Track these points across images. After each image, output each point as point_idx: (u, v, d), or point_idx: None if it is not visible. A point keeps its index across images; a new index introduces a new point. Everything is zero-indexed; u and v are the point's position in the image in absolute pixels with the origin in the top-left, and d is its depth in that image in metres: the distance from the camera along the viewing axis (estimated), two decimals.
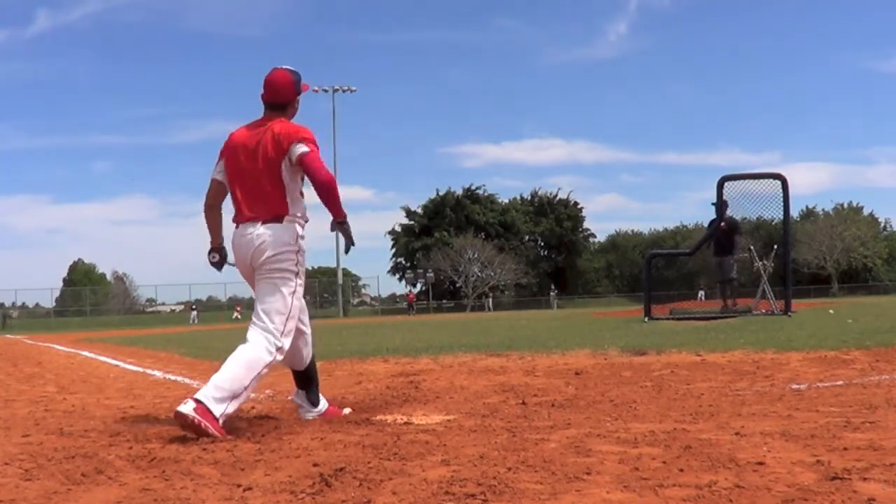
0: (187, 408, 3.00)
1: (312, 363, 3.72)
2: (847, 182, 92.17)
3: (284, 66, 3.52)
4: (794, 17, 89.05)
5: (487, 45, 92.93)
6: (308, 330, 3.62)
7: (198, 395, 3.07)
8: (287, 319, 3.34)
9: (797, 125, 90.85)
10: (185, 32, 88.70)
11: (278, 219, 3.36)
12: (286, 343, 3.33)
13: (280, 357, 3.33)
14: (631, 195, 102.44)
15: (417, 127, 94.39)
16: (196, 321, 43.25)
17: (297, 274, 3.39)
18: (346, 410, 3.83)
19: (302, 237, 3.42)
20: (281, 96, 3.47)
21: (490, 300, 54.72)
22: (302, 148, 3.31)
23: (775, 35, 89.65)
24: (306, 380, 3.69)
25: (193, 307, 48.81)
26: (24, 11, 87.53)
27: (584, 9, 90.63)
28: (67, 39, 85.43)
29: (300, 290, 3.42)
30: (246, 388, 3.18)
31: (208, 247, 3.61)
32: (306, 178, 3.39)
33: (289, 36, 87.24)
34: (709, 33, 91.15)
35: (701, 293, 49.36)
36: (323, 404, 3.72)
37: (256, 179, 3.37)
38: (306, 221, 3.47)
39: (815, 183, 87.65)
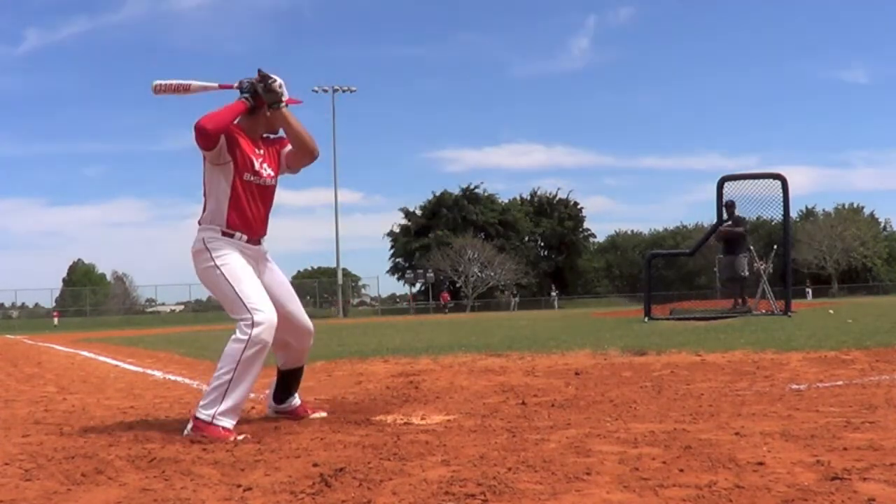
0: (187, 430, 3.17)
1: (296, 371, 3.68)
2: (826, 185, 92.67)
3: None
4: (751, 23, 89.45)
5: (456, 58, 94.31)
6: (301, 321, 3.54)
7: (193, 412, 3.21)
8: (238, 298, 3.24)
9: (774, 129, 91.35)
10: (170, 50, 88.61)
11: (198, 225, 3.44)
12: (258, 314, 3.19)
13: (259, 330, 3.16)
14: (616, 198, 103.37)
15: (399, 133, 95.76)
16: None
17: (215, 265, 3.31)
18: (321, 414, 3.71)
19: (210, 240, 3.35)
20: None
21: (514, 299, 54.29)
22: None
23: (731, 43, 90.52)
24: (284, 379, 3.67)
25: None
26: (14, 31, 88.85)
27: (545, 25, 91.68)
28: (57, 56, 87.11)
29: (226, 267, 3.30)
30: (232, 379, 3.14)
31: None
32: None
33: (270, 53, 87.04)
34: (668, 44, 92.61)
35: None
36: (291, 403, 3.70)
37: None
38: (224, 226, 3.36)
39: (793, 186, 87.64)
